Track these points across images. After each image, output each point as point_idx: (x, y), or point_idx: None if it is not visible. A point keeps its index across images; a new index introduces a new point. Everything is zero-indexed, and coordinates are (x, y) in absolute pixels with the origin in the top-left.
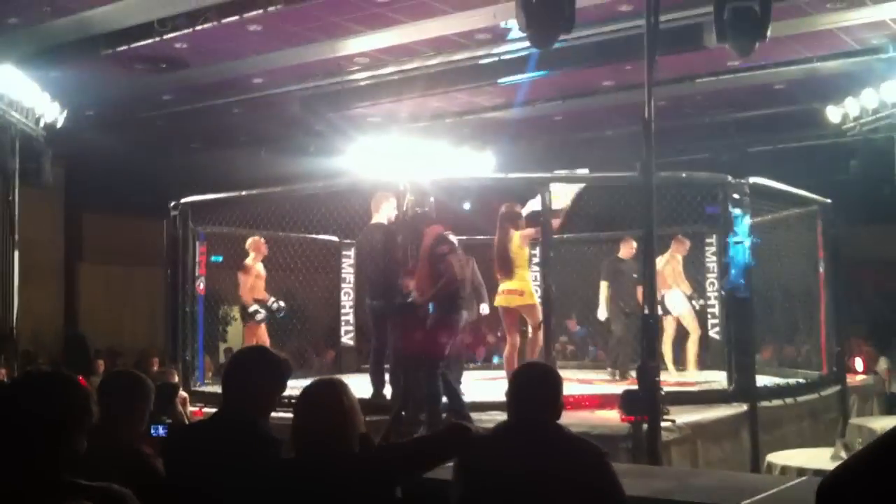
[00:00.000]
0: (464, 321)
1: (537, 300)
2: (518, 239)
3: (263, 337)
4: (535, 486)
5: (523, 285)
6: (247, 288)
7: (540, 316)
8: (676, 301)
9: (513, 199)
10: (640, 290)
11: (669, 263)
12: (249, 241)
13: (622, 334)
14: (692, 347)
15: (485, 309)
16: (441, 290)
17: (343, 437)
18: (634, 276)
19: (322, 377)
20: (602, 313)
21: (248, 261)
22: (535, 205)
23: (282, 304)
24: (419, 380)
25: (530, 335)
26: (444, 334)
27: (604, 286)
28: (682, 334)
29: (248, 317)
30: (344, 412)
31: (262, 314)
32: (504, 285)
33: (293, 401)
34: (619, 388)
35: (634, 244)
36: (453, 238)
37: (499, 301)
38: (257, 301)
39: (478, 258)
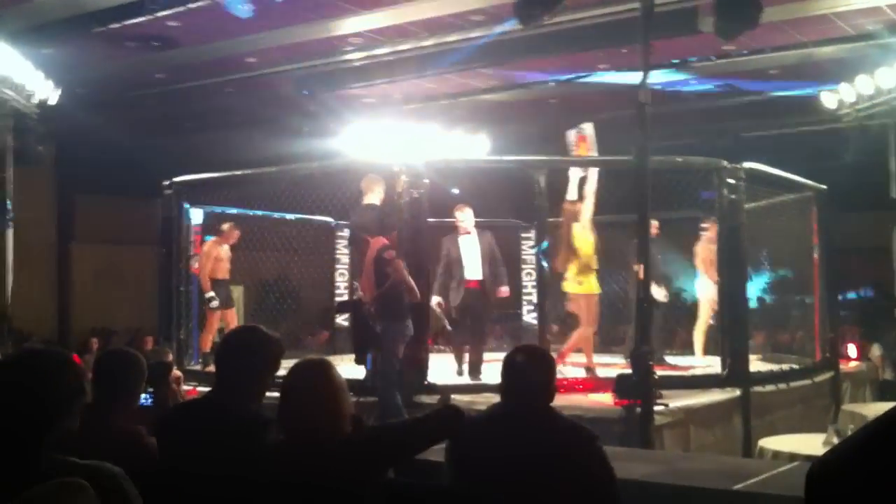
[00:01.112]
0: (409, 331)
1: (596, 290)
2: (580, 231)
3: (228, 320)
4: (527, 468)
5: (588, 274)
6: (205, 272)
7: (595, 307)
8: (703, 288)
9: (508, 182)
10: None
11: (705, 249)
12: (227, 226)
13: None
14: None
15: (505, 290)
16: (387, 289)
17: (332, 418)
18: (659, 257)
19: (307, 357)
20: (659, 294)
21: (209, 244)
22: (577, 172)
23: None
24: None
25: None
26: (391, 342)
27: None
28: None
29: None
30: (331, 393)
31: (216, 302)
32: (570, 273)
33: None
34: (612, 371)
35: (656, 225)
36: (467, 216)
37: (566, 287)
38: (216, 282)
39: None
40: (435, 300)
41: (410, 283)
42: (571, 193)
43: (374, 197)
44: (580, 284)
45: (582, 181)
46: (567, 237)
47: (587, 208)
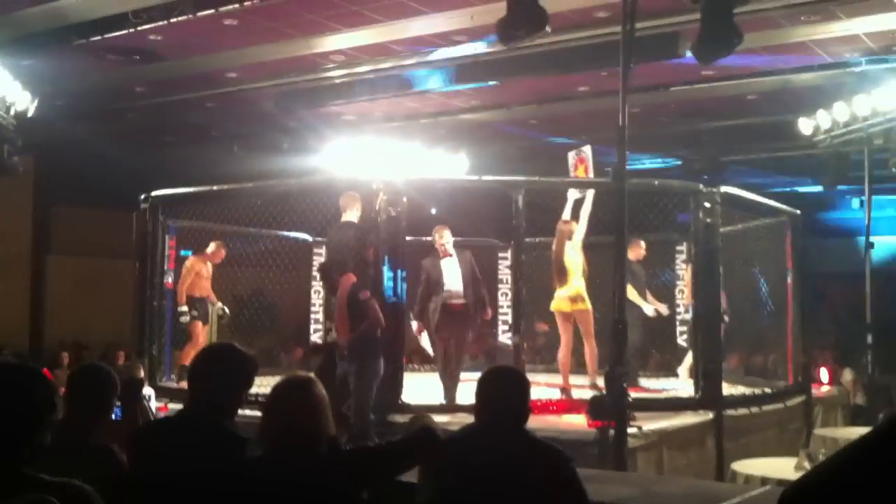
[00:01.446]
0: (382, 370)
1: (590, 306)
2: (571, 250)
3: (198, 338)
4: (501, 490)
5: (579, 291)
6: (182, 287)
7: (592, 321)
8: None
9: (487, 200)
10: (649, 295)
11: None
12: (213, 245)
13: (639, 342)
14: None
15: (489, 313)
16: (363, 331)
17: (311, 438)
18: (643, 280)
19: (293, 374)
20: (650, 309)
21: (192, 261)
22: (574, 194)
23: (226, 310)
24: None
25: (585, 341)
26: (367, 381)
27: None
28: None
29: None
30: (313, 412)
31: (186, 318)
32: (561, 291)
33: (260, 398)
34: (586, 393)
35: (643, 245)
36: (448, 238)
37: (555, 305)
38: (195, 300)
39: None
40: (415, 325)
41: (383, 323)
42: (566, 213)
43: (352, 214)
44: (574, 303)
45: (578, 203)
46: (559, 256)
47: (580, 229)
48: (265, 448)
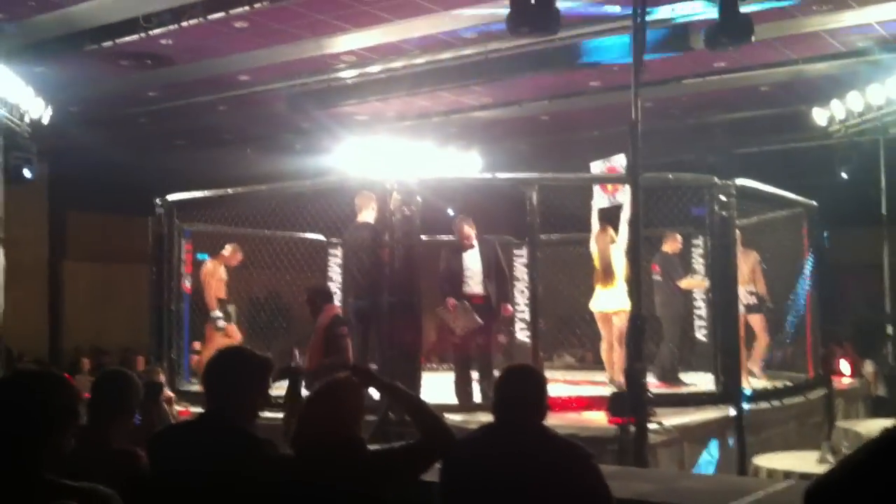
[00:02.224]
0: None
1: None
2: (618, 255)
3: (226, 341)
4: (521, 487)
5: (623, 294)
6: (211, 292)
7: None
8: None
9: (501, 198)
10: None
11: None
12: (230, 248)
13: (674, 335)
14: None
15: (509, 308)
16: (329, 364)
17: (340, 440)
18: (680, 272)
19: (337, 378)
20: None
21: (211, 264)
22: (601, 202)
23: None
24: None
25: (617, 341)
26: None
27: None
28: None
29: (210, 321)
30: (345, 416)
31: (222, 322)
32: (605, 291)
33: (279, 401)
34: (605, 389)
35: (679, 239)
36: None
37: (600, 306)
38: (220, 302)
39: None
40: (449, 302)
41: (350, 362)
42: (595, 224)
43: (368, 215)
44: (618, 304)
45: (605, 211)
46: (606, 259)
47: (622, 234)
48: (295, 449)
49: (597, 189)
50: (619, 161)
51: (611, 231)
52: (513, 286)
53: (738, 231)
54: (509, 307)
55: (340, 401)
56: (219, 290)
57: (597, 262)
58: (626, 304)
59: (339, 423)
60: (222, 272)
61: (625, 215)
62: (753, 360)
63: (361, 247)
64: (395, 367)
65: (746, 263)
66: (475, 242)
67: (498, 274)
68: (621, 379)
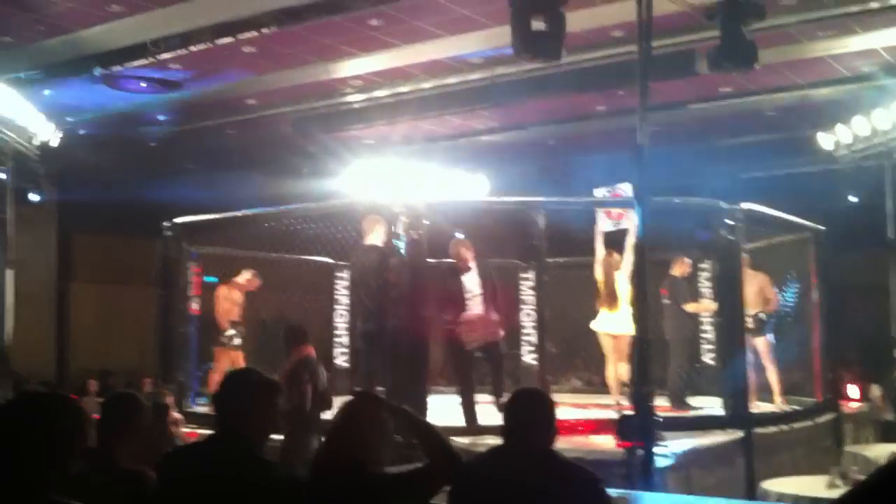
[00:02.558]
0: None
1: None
2: (623, 280)
3: (238, 362)
4: None
5: (627, 317)
6: (223, 310)
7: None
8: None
9: (508, 222)
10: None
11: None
12: (249, 274)
13: (683, 359)
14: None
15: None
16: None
17: (358, 463)
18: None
19: (355, 401)
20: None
21: (225, 289)
22: (605, 227)
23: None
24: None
25: (620, 361)
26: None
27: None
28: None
29: (223, 340)
30: (370, 439)
31: (238, 340)
32: (610, 314)
33: None
34: (613, 413)
35: (688, 262)
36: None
37: (604, 328)
38: (233, 324)
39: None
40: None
41: (306, 410)
42: (598, 247)
43: (375, 238)
44: (622, 327)
45: (609, 235)
46: (610, 284)
47: (627, 259)
48: (312, 472)
49: (601, 214)
50: (625, 189)
51: (616, 256)
52: (519, 309)
53: (745, 254)
54: (499, 331)
55: (356, 424)
56: (230, 313)
57: (601, 286)
58: (630, 328)
59: (353, 446)
60: (236, 296)
61: (630, 240)
62: (773, 385)
63: (369, 270)
64: (403, 389)
65: (752, 286)
66: (472, 265)
67: (494, 296)
68: (622, 397)
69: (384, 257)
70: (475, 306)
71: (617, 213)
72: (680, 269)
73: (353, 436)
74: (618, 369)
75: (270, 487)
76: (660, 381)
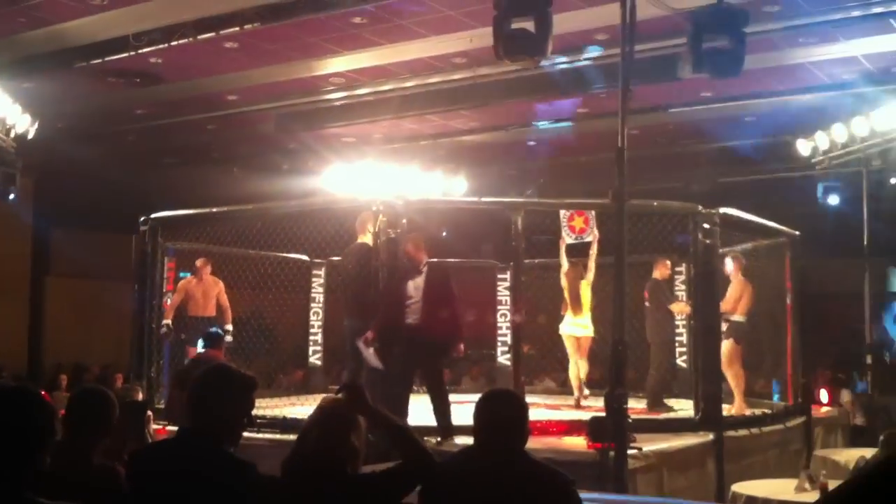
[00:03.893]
0: None
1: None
2: (586, 287)
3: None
4: None
5: (589, 320)
6: (172, 303)
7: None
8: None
9: (486, 222)
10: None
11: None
12: (199, 262)
13: (662, 361)
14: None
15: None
16: None
17: (332, 462)
18: (679, 295)
19: (328, 400)
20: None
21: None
22: (568, 240)
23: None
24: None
25: (581, 360)
26: None
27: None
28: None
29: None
30: (345, 438)
31: (164, 329)
32: (574, 319)
33: (258, 420)
34: (585, 414)
35: (669, 265)
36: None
37: (570, 332)
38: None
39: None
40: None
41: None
42: (564, 260)
43: (368, 236)
44: (586, 330)
45: (572, 247)
46: (576, 294)
47: (591, 269)
48: (284, 471)
49: (565, 228)
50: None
51: (579, 266)
52: (496, 310)
53: (742, 259)
54: (461, 346)
55: (330, 423)
56: (185, 307)
57: (566, 294)
58: (591, 331)
59: (327, 445)
60: (191, 287)
61: (592, 252)
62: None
63: (361, 267)
64: (385, 388)
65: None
66: (423, 268)
67: (448, 304)
68: (582, 395)
69: (369, 255)
70: (412, 314)
71: (579, 228)
72: (661, 271)
73: (333, 433)
74: (579, 368)
75: (243, 485)
76: (636, 384)
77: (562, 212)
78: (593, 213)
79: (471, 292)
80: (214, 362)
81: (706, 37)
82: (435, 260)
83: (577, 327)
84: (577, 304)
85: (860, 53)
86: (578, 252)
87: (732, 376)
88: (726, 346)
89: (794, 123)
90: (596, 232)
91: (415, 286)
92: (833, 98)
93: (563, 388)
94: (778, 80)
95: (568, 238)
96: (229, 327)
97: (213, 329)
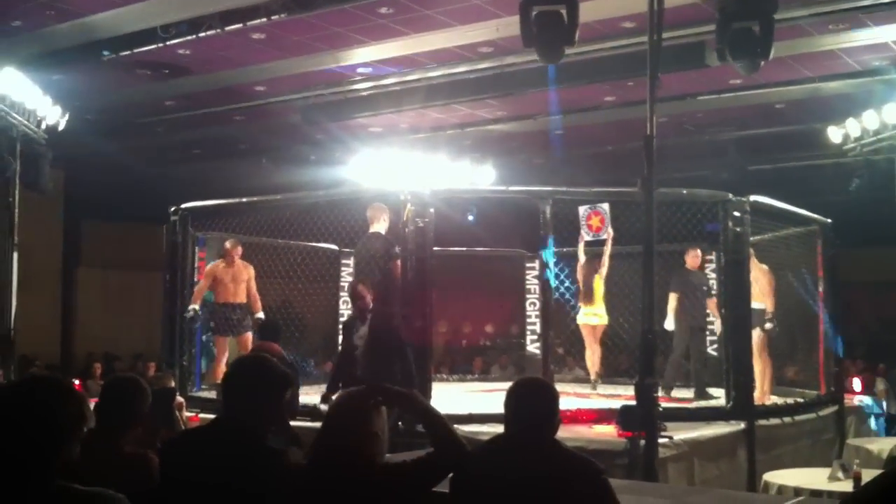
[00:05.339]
0: None
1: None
2: (599, 282)
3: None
4: (531, 501)
5: (603, 310)
6: (200, 288)
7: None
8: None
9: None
10: (711, 304)
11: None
12: (228, 243)
13: (682, 350)
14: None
15: None
16: None
17: (358, 452)
18: (705, 289)
19: (352, 391)
20: (669, 324)
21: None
22: (586, 237)
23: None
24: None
25: (595, 346)
26: None
27: (673, 298)
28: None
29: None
30: (370, 428)
31: (189, 313)
32: (590, 308)
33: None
34: (615, 403)
35: (700, 254)
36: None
37: (585, 321)
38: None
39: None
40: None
41: None
42: (581, 254)
43: (380, 226)
44: (600, 319)
45: (601, 243)
46: (590, 286)
47: (605, 264)
48: (311, 460)
49: (583, 226)
50: (604, 208)
51: (594, 261)
52: (525, 299)
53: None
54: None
55: (355, 413)
56: (216, 293)
57: (581, 286)
58: (605, 319)
59: (353, 435)
60: (219, 271)
61: (607, 249)
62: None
63: (373, 258)
64: (406, 377)
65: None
66: (368, 315)
67: (389, 356)
68: (597, 376)
69: (389, 245)
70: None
71: (596, 226)
72: (692, 261)
73: (352, 424)
74: (594, 354)
75: (270, 474)
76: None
77: (581, 210)
78: (608, 212)
79: (499, 281)
80: (270, 352)
81: (734, 24)
82: (379, 308)
83: (591, 316)
84: (589, 296)
85: (891, 39)
86: (591, 250)
87: (767, 365)
88: (756, 334)
89: (824, 111)
90: (610, 230)
91: (359, 336)
92: (864, 85)
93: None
94: (808, 67)
95: (586, 235)
96: (261, 315)
97: (267, 319)
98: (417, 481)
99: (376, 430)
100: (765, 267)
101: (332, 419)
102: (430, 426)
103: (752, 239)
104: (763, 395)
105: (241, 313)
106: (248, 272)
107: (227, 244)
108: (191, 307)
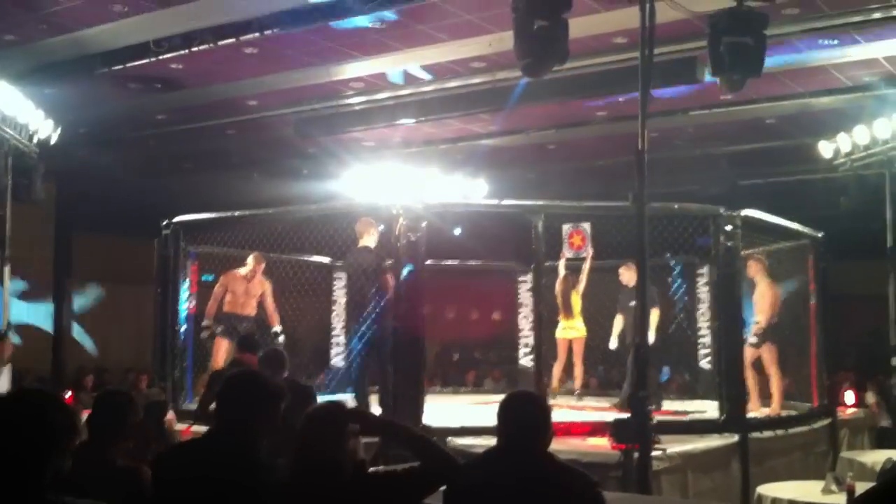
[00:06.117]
0: None
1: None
2: (576, 297)
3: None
4: None
5: (580, 323)
6: (213, 302)
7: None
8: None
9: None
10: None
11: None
12: (251, 258)
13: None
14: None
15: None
16: None
17: (344, 462)
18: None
19: (324, 403)
20: (613, 343)
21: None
22: (567, 254)
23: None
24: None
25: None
26: None
27: (619, 319)
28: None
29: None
30: (339, 438)
31: (205, 332)
32: (568, 323)
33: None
34: (610, 415)
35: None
36: None
37: (563, 334)
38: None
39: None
40: None
41: None
42: (562, 270)
43: (369, 240)
44: (578, 332)
45: (581, 261)
46: (567, 301)
47: (582, 282)
48: (293, 472)
49: (566, 244)
50: (585, 228)
51: (572, 278)
52: (517, 312)
53: (764, 261)
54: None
55: (338, 422)
56: (228, 304)
57: (559, 301)
58: (582, 332)
59: (336, 445)
60: (233, 284)
61: (586, 266)
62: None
63: (363, 272)
64: (400, 390)
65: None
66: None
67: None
68: (580, 389)
69: (379, 260)
70: None
71: (577, 244)
72: (628, 277)
73: (335, 434)
74: (575, 369)
75: (259, 488)
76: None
77: (564, 228)
78: (589, 232)
79: (491, 294)
80: (246, 367)
81: (726, 39)
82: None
83: (570, 330)
84: (568, 310)
85: (881, 55)
86: (571, 267)
87: (777, 378)
88: (765, 350)
89: (815, 126)
90: (590, 249)
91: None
92: (855, 100)
93: (585, 389)
94: (799, 82)
95: (567, 252)
96: (278, 328)
97: (246, 332)
98: (405, 491)
99: (348, 432)
100: (772, 281)
101: (311, 427)
102: (415, 448)
103: (759, 250)
104: (774, 406)
105: (248, 326)
106: (262, 287)
107: (252, 259)
108: (205, 322)
